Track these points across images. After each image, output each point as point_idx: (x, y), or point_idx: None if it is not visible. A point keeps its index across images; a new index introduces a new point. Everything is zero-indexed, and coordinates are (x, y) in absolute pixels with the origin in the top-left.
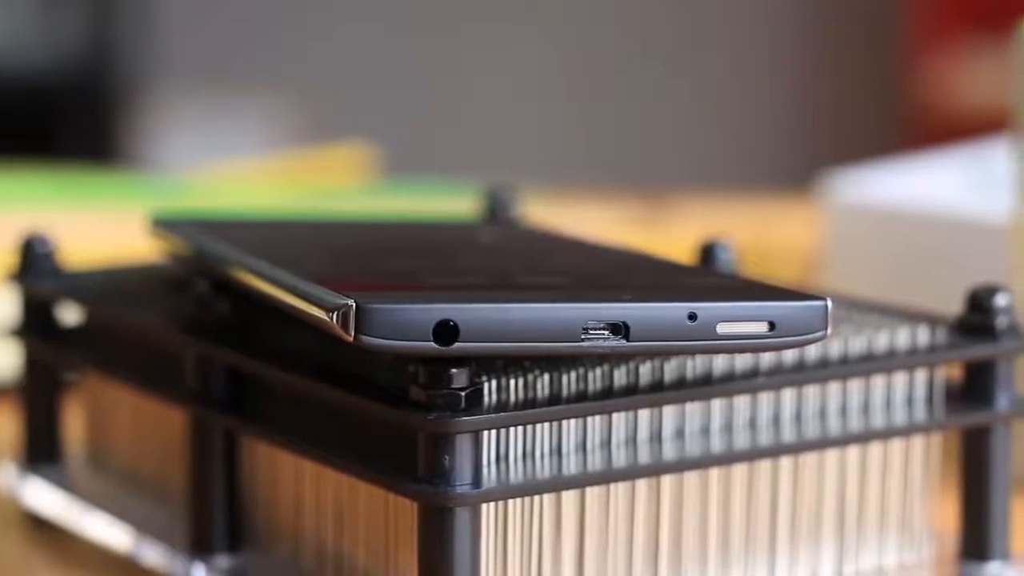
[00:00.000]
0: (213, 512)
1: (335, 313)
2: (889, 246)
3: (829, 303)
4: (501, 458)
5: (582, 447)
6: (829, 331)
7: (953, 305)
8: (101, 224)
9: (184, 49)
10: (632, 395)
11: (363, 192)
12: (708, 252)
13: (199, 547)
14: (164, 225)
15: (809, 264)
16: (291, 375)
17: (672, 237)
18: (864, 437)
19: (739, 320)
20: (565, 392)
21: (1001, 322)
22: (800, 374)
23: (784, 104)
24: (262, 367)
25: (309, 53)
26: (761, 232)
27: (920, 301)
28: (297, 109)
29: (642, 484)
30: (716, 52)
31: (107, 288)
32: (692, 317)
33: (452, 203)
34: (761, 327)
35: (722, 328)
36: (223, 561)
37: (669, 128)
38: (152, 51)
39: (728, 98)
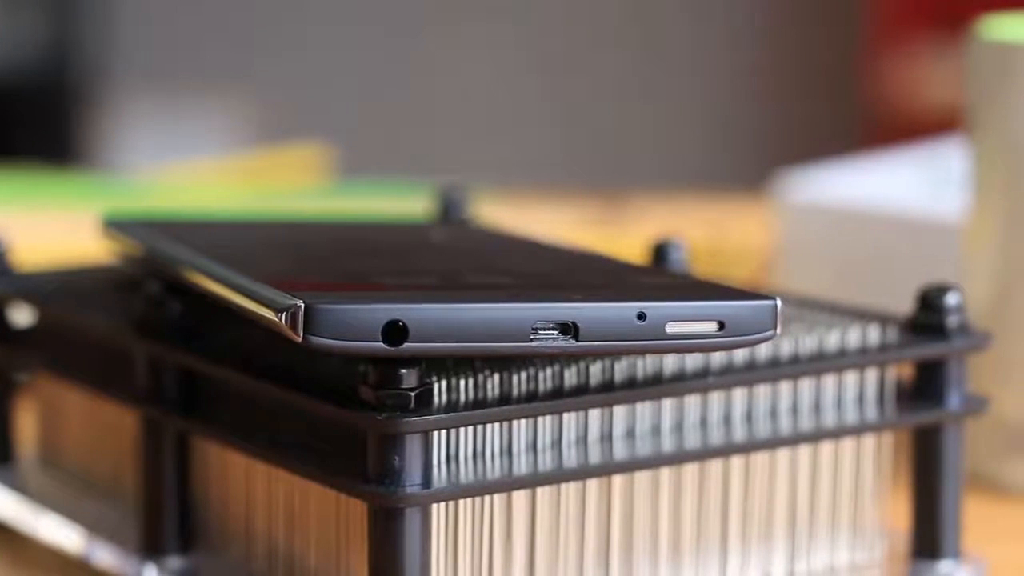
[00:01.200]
0: (165, 513)
1: (283, 314)
2: (843, 245)
3: (778, 303)
4: (451, 458)
5: (532, 447)
6: (778, 330)
7: (907, 304)
8: (55, 225)
9: (142, 50)
10: (582, 395)
11: (319, 192)
12: (660, 252)
13: (151, 548)
14: (116, 226)
15: (765, 264)
16: (242, 375)
17: (629, 237)
18: (815, 436)
19: (688, 320)
20: (515, 392)
21: (952, 321)
22: (751, 373)
23: (744, 104)
24: (213, 367)
25: (267, 54)
26: (717, 232)
27: (874, 300)
28: (255, 109)
29: (593, 484)
30: (676, 52)
31: (59, 289)
32: (641, 317)
33: (407, 203)
34: (710, 327)
35: (671, 328)
36: (174, 562)
37: (627, 128)
38: (110, 52)
39: (688, 98)
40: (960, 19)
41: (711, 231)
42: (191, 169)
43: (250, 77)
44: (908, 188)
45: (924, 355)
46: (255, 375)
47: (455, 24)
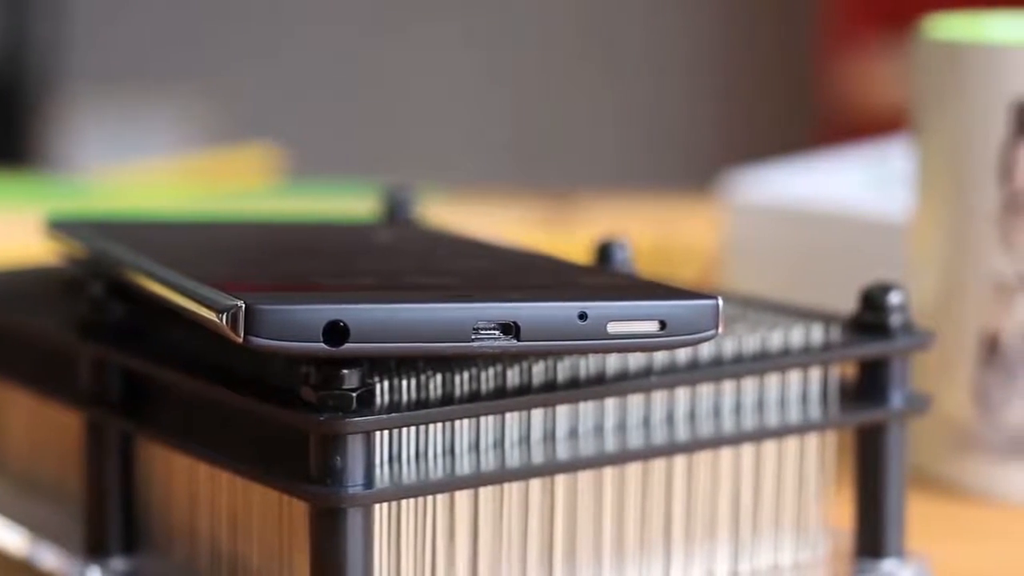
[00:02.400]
0: (109, 514)
1: (224, 314)
2: (789, 244)
3: (720, 302)
4: (394, 458)
5: (475, 447)
6: (720, 330)
7: (854, 303)
8: (2, 226)
9: (94, 51)
10: (525, 395)
11: (268, 193)
12: (605, 252)
13: (95, 549)
14: (60, 227)
15: (712, 263)
16: (183, 376)
17: (577, 237)
18: (758, 436)
19: (629, 319)
20: (458, 392)
21: (895, 320)
22: (693, 373)
23: (694, 104)
24: (156, 369)
25: (219, 55)
26: (665, 232)
27: (822, 299)
28: (206, 110)
29: (536, 484)
30: (626, 52)
31: (2, 290)
32: (583, 316)
33: (355, 204)
34: (652, 326)
35: (613, 327)
36: (119, 563)
37: (577, 128)
38: (62, 53)
39: (638, 98)
40: (911, 19)
41: (659, 231)
42: (141, 169)
43: (201, 78)
44: (855, 187)
45: (867, 354)
46: (197, 376)
47: (405, 25)
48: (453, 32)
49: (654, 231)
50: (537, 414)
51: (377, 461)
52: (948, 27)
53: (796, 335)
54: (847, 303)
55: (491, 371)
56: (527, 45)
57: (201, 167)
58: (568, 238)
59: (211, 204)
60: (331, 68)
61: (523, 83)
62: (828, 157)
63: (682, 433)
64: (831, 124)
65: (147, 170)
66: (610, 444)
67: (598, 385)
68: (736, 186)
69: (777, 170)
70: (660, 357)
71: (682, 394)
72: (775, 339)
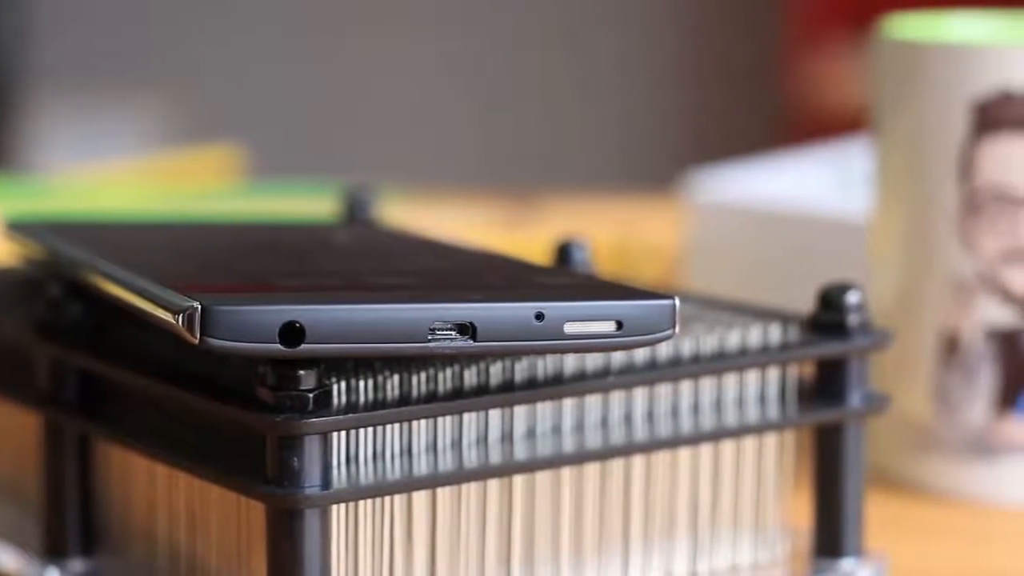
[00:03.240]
0: (67, 516)
1: (180, 315)
2: (751, 244)
3: (676, 302)
4: (351, 459)
5: (433, 448)
6: (677, 330)
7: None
8: None
9: (58, 51)
10: (482, 395)
11: (230, 193)
12: (564, 252)
13: (53, 551)
14: (18, 228)
15: (674, 263)
16: (141, 377)
17: (539, 238)
18: (716, 435)
19: (586, 320)
20: (415, 393)
21: (852, 320)
22: (651, 373)
23: (659, 104)
24: (113, 370)
25: (182, 56)
26: (628, 232)
27: (783, 299)
28: (170, 111)
29: (494, 484)
30: (590, 51)
31: None
32: (539, 317)
33: (317, 204)
34: (608, 326)
35: (569, 328)
36: (77, 565)
37: (542, 129)
38: (26, 53)
39: (604, 98)
40: (877, 19)
41: (622, 231)
42: (103, 170)
43: (162, 79)
44: (816, 187)
45: (824, 354)
46: (155, 377)
47: (367, 25)
48: (417, 32)
49: (617, 231)
50: (495, 414)
51: (334, 462)
52: (908, 27)
53: (754, 335)
54: (809, 303)
55: (448, 371)
56: (490, 45)
57: (162, 167)
58: (530, 238)
59: (172, 204)
60: (294, 69)
61: (486, 84)
62: (790, 157)
63: (640, 433)
64: (797, 124)
65: (109, 171)
66: (568, 444)
67: (556, 386)
68: (698, 186)
69: (739, 170)
70: (618, 357)
71: (640, 394)
72: (733, 339)
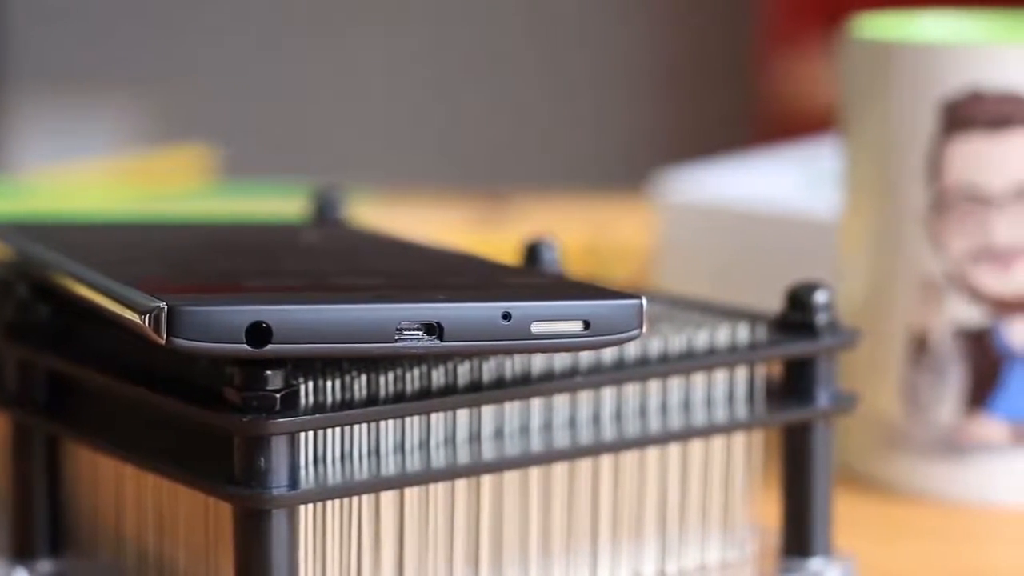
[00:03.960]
0: (35, 516)
1: (147, 316)
2: (722, 244)
3: (644, 302)
4: (319, 459)
5: (400, 448)
6: (644, 329)
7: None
8: None
9: (31, 51)
10: (450, 395)
11: (202, 193)
12: (533, 252)
13: (21, 551)
14: None
15: (645, 263)
16: (109, 378)
17: (511, 238)
18: (684, 435)
19: (553, 319)
20: (382, 393)
21: (820, 319)
22: (619, 373)
23: (633, 104)
24: (81, 370)
25: (156, 56)
26: (599, 232)
27: (754, 299)
28: (143, 111)
29: (462, 484)
30: (563, 51)
31: None
32: (506, 317)
33: (287, 204)
34: (576, 326)
35: (536, 327)
36: (45, 566)
37: (514, 128)
38: (1, 53)
39: (576, 98)
40: (850, 18)
41: (593, 231)
42: (75, 170)
43: (138, 79)
44: (787, 187)
45: (792, 353)
46: (122, 378)
47: (341, 26)
48: (392, 33)
49: (589, 231)
50: (462, 414)
51: (302, 462)
52: (876, 26)
53: (722, 335)
54: (779, 303)
55: (416, 371)
56: (462, 44)
57: (134, 168)
58: (503, 238)
59: (143, 205)
60: (267, 69)
61: (458, 84)
62: (761, 156)
63: (608, 433)
64: (770, 124)
65: (80, 171)
66: (536, 444)
67: (523, 385)
68: (668, 186)
69: (709, 170)
70: (586, 357)
71: (608, 394)
72: (701, 339)
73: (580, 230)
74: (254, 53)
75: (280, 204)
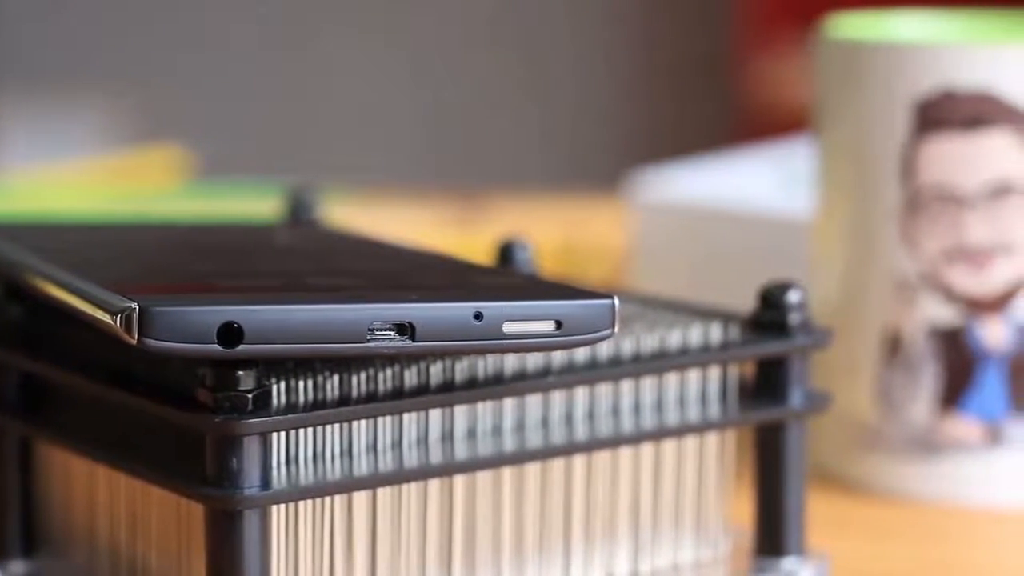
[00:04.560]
0: (8, 517)
1: (118, 316)
2: (696, 244)
3: (615, 302)
4: (291, 460)
5: (372, 448)
6: (616, 329)
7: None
8: None
9: (8, 51)
10: (423, 395)
11: (178, 194)
12: (506, 252)
13: None
14: None
15: (620, 263)
16: (81, 379)
17: (487, 238)
18: (657, 435)
19: (525, 319)
20: (355, 393)
21: (793, 319)
22: (592, 373)
23: (610, 104)
24: (53, 371)
25: (132, 56)
26: (575, 231)
27: (728, 298)
28: (121, 111)
29: (434, 484)
30: (539, 51)
31: None
32: (478, 317)
33: (262, 205)
34: (547, 326)
35: (508, 327)
36: (18, 566)
37: (490, 127)
38: None
39: (553, 98)
40: (827, 17)
41: (569, 230)
42: (52, 171)
43: (116, 79)
44: (762, 186)
45: (765, 353)
46: (95, 379)
47: (317, 26)
48: (367, 34)
49: (564, 231)
50: (435, 414)
51: (274, 462)
52: (850, 26)
53: (695, 334)
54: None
55: (388, 372)
56: (438, 43)
57: (110, 168)
58: (476, 238)
59: (120, 205)
60: (243, 69)
61: (434, 82)
62: (736, 156)
63: (581, 433)
64: (747, 123)
65: (56, 172)
66: (508, 444)
67: (496, 385)
68: (643, 185)
69: (684, 169)
70: (558, 357)
71: (581, 394)
72: (674, 338)
73: (555, 230)
74: (231, 54)
75: (253, 204)
